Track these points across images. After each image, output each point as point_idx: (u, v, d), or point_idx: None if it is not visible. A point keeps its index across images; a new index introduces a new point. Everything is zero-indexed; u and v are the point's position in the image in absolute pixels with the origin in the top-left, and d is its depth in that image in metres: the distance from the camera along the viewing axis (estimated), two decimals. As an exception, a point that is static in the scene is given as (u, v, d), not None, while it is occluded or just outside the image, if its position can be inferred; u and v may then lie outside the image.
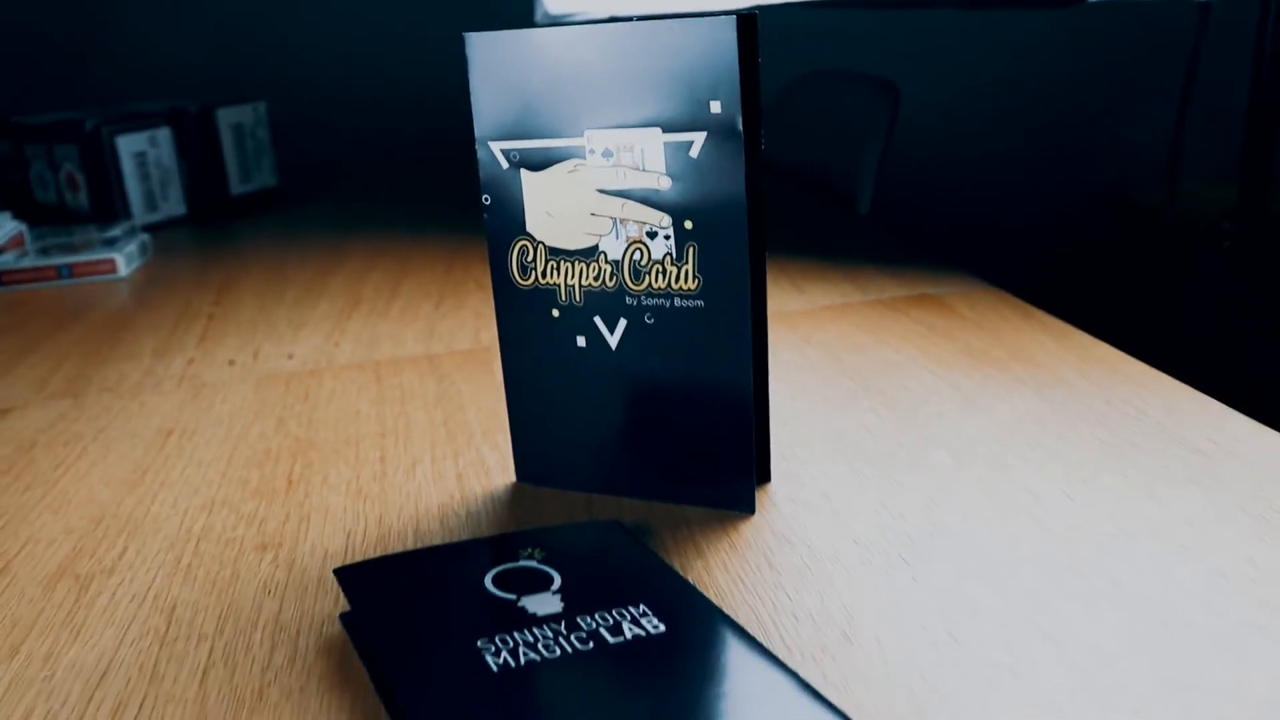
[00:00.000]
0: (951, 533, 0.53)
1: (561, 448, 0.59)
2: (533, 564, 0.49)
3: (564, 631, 0.44)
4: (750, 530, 0.54)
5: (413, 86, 2.19)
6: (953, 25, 2.35)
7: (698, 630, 0.44)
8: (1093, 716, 0.39)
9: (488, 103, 0.55)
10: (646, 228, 0.53)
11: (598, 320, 0.56)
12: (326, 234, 1.35)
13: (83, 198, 1.45)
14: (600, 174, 0.54)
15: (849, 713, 0.41)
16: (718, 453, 0.55)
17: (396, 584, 0.48)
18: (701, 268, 0.53)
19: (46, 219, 1.51)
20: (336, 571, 0.49)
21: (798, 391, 0.72)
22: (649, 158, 0.53)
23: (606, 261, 0.55)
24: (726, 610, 0.48)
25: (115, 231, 1.28)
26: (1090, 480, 0.57)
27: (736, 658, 0.42)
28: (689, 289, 0.53)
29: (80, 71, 2.08)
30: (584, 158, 0.54)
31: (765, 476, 0.59)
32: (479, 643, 0.43)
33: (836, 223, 1.21)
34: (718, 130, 0.51)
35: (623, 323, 0.55)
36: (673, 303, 0.54)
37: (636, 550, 0.50)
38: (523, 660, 0.42)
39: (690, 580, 0.50)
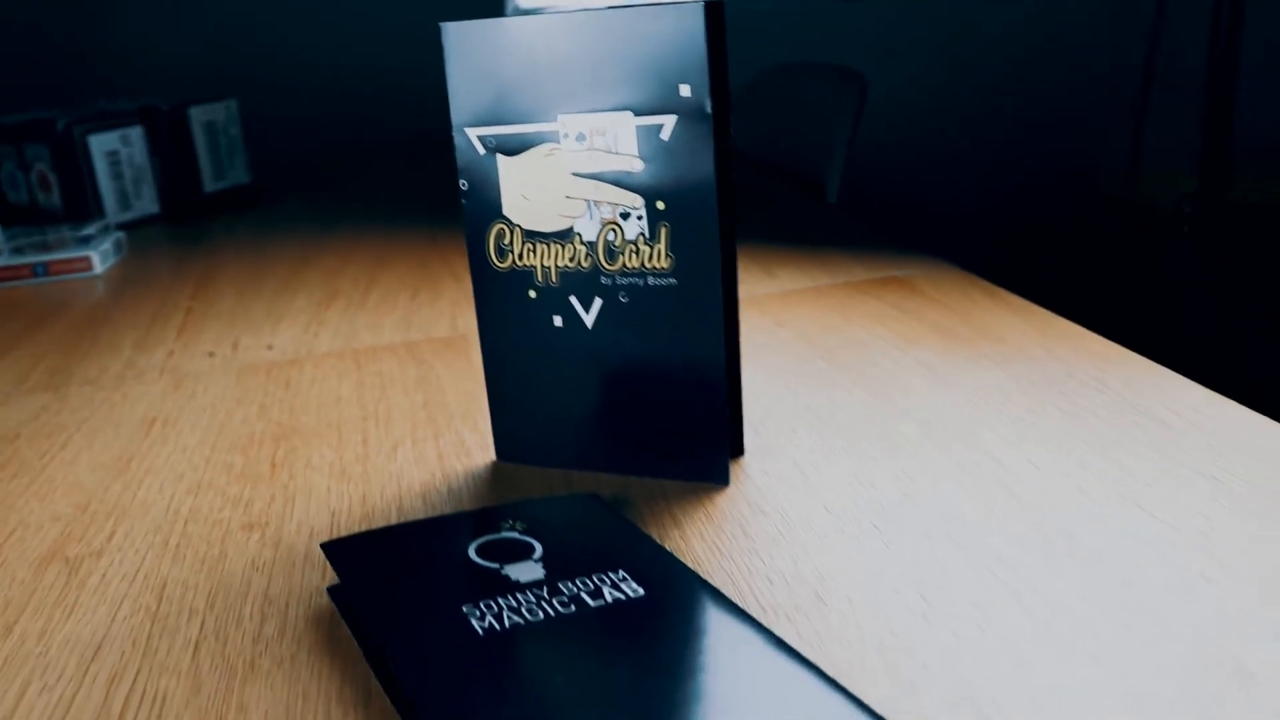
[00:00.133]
0: (921, 499, 0.55)
1: (540, 426, 0.60)
2: (514, 535, 0.50)
3: (546, 596, 0.45)
4: (725, 501, 0.56)
5: (384, 84, 2.19)
6: (918, 14, 2.37)
7: (675, 593, 0.45)
8: (1054, 662, 0.41)
9: (464, 91, 0.57)
10: (620, 209, 0.55)
11: (574, 300, 0.57)
12: (301, 230, 1.36)
13: (55, 197, 1.45)
14: (574, 158, 0.55)
15: (822, 666, 0.43)
16: (692, 426, 0.57)
17: (382, 556, 0.49)
18: (674, 247, 0.54)
19: (19, 219, 1.51)
20: (323, 546, 0.50)
21: (769, 371, 0.73)
22: (621, 141, 0.54)
23: (581, 243, 0.56)
24: (703, 575, 0.49)
25: (89, 230, 1.28)
26: (1053, 448, 0.59)
27: (713, 617, 0.44)
28: (662, 268, 0.55)
29: (50, 71, 2.08)
30: (558, 142, 0.55)
31: (739, 450, 0.61)
32: (464, 608, 0.44)
33: (806, 210, 1.23)
34: (687, 113, 0.53)
35: (598, 302, 0.57)
36: (646, 281, 0.55)
37: (615, 520, 0.52)
38: (507, 623, 0.43)
39: (667, 548, 0.51)
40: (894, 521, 0.53)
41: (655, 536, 0.53)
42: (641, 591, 0.46)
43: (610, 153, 0.54)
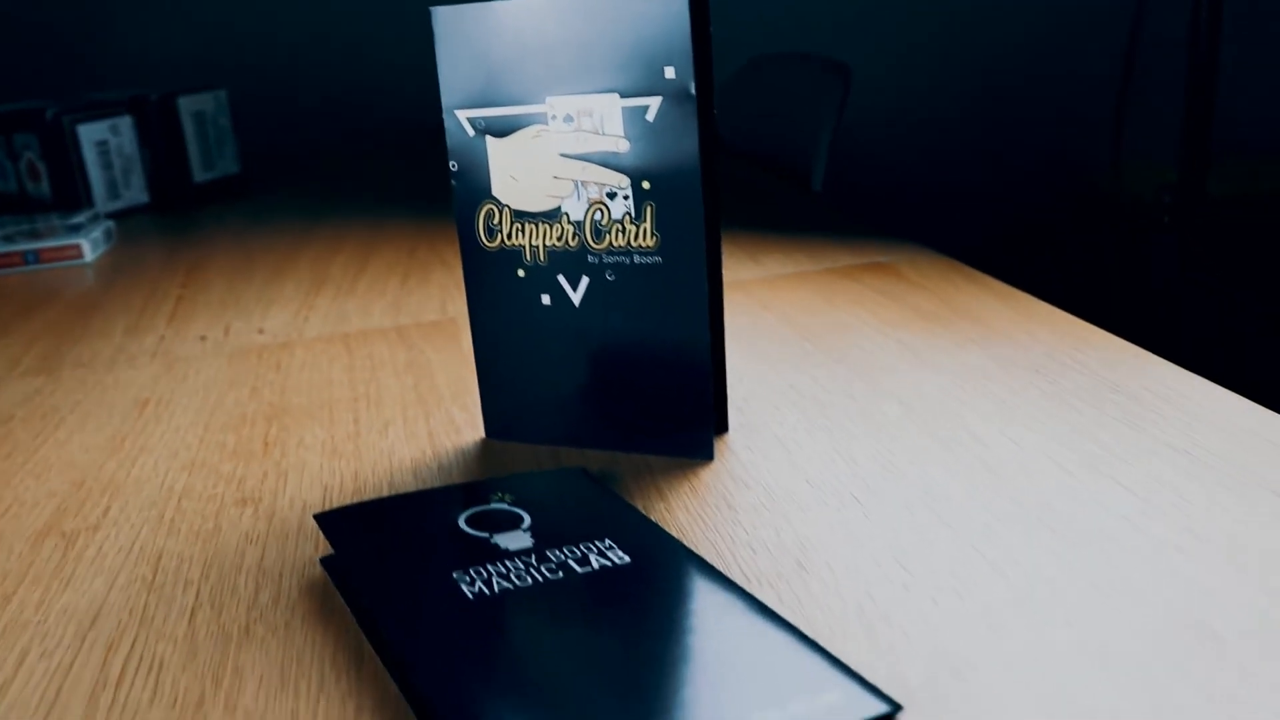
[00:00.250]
0: (901, 473, 0.56)
1: (528, 403, 0.62)
2: (503, 506, 0.52)
3: (534, 563, 0.46)
4: (710, 475, 0.57)
5: (373, 75, 2.20)
6: (902, 8, 2.39)
7: (660, 560, 0.47)
8: (1029, 626, 0.43)
9: (454, 74, 0.58)
10: (606, 189, 0.56)
11: (561, 279, 0.58)
12: (291, 219, 1.37)
13: (44, 186, 1.46)
14: (562, 139, 0.56)
15: (803, 630, 0.44)
16: (677, 402, 0.58)
17: (374, 526, 0.50)
18: (659, 225, 0.55)
19: (8, 208, 1.51)
20: (316, 516, 0.51)
21: (754, 352, 0.75)
22: (608, 122, 0.55)
23: (569, 222, 0.57)
24: (688, 544, 0.51)
25: (79, 218, 1.29)
26: (1032, 425, 0.60)
27: (697, 583, 0.45)
28: (648, 246, 0.56)
29: (39, 61, 2.08)
30: (546, 124, 0.56)
31: (723, 427, 0.62)
32: (455, 574, 0.46)
33: (791, 199, 1.25)
34: (672, 95, 0.54)
35: (585, 280, 0.58)
36: (632, 260, 0.56)
37: (602, 493, 0.53)
38: (496, 589, 0.45)
39: (653, 519, 0.53)
40: (875, 494, 0.54)
41: (641, 509, 0.54)
42: (628, 559, 0.47)
43: (597, 134, 0.56)
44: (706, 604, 0.43)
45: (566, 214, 0.57)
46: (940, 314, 0.79)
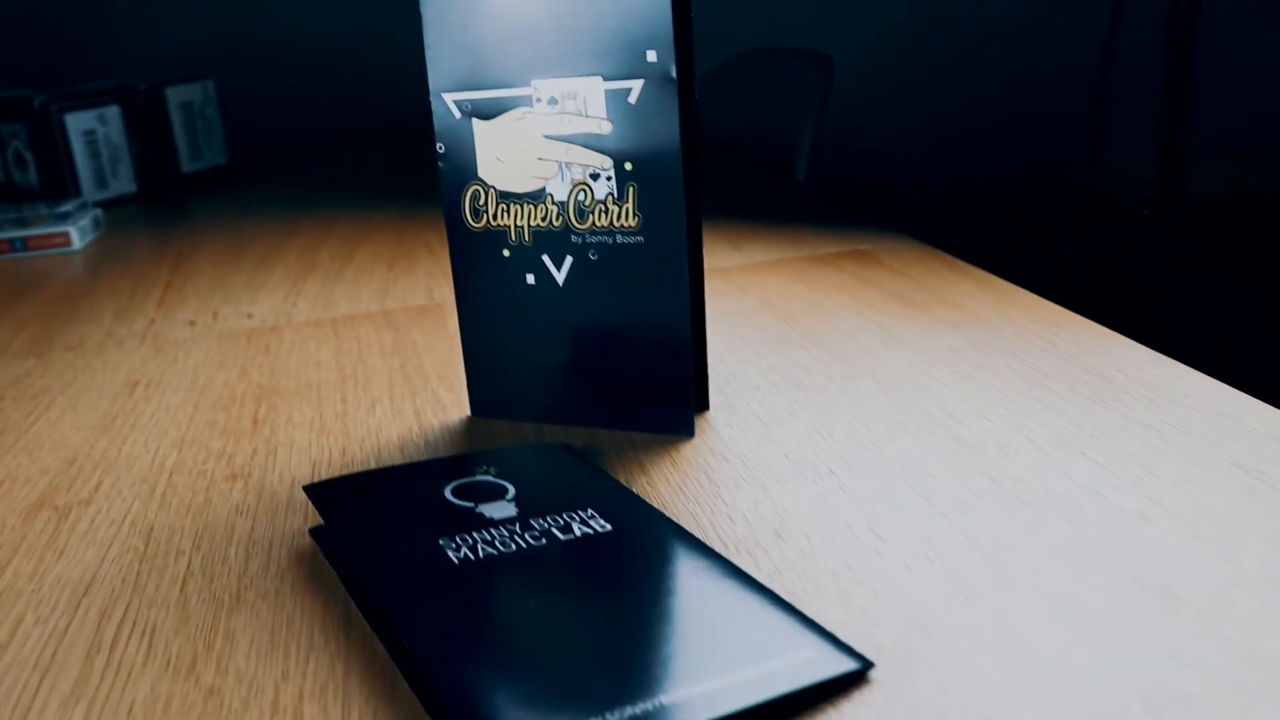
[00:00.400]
0: (877, 448, 0.57)
1: (513, 381, 0.63)
2: (488, 478, 0.53)
3: (519, 531, 0.48)
4: (690, 450, 0.59)
5: (360, 66, 2.21)
6: (888, 3, 2.40)
7: (641, 528, 0.48)
8: (998, 589, 0.44)
9: (441, 57, 0.59)
10: (590, 170, 0.57)
11: (546, 258, 0.60)
12: (278, 209, 1.38)
13: (31, 175, 1.46)
14: (546, 121, 0.58)
15: (779, 594, 0.45)
16: (659, 378, 0.59)
17: (362, 496, 0.51)
18: (641, 206, 0.57)
19: (-4, 198, 1.52)
20: (306, 488, 0.52)
21: (734, 335, 0.76)
22: (591, 105, 0.57)
23: (553, 203, 0.59)
24: (668, 514, 0.52)
25: (67, 207, 1.30)
26: (1004, 402, 0.62)
27: (676, 549, 0.46)
28: (630, 226, 0.57)
29: (26, 50, 2.08)
30: (531, 106, 0.58)
31: (704, 405, 0.64)
32: (441, 541, 0.47)
33: (774, 189, 1.26)
34: (654, 78, 0.55)
35: (569, 260, 0.59)
36: (615, 239, 0.58)
37: (584, 466, 0.54)
38: (481, 554, 0.46)
39: (635, 491, 0.54)
40: (850, 467, 0.55)
41: (623, 482, 0.55)
42: (609, 527, 0.48)
43: (581, 116, 0.57)
44: (685, 569, 0.45)
45: (551, 195, 0.58)
46: (919, 299, 0.81)
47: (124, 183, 1.51)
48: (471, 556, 0.46)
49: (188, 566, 0.51)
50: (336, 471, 0.60)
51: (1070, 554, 0.46)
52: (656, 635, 0.40)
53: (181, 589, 0.49)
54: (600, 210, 0.58)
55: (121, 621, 0.47)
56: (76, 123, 1.45)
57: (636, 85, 0.55)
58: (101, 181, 1.48)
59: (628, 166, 0.56)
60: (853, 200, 2.50)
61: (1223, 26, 2.45)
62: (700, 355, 0.63)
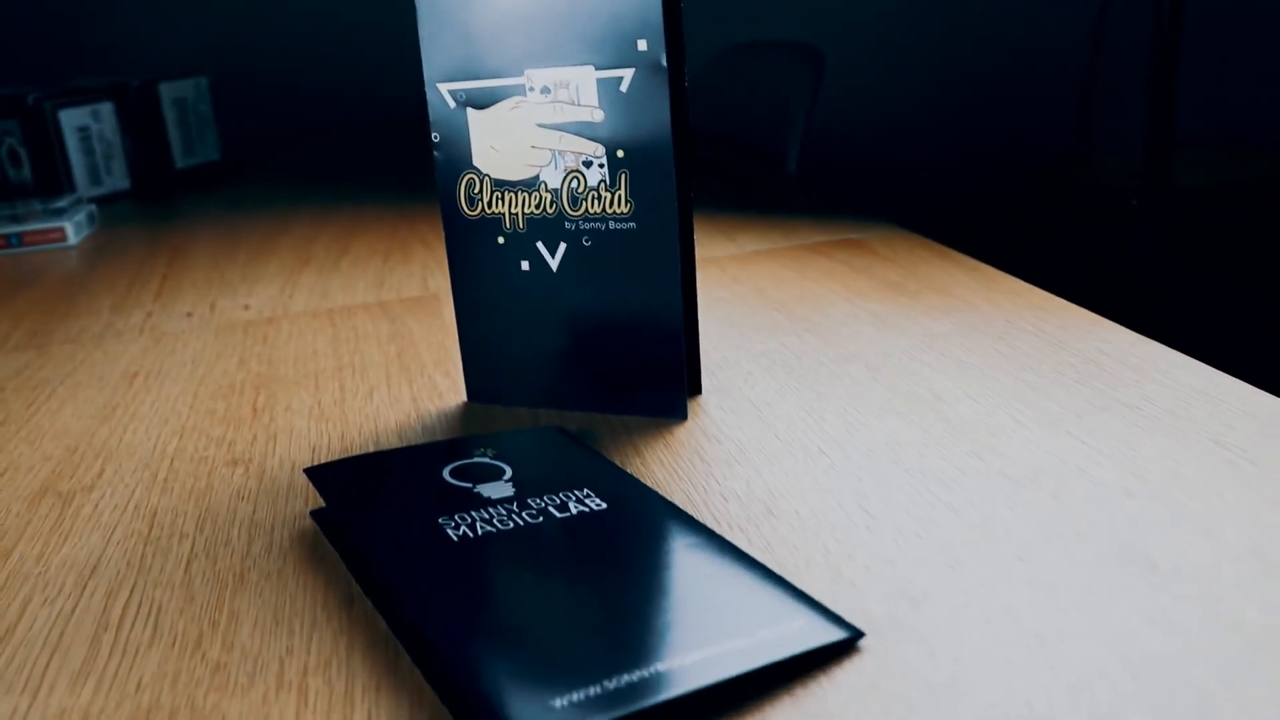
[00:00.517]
0: (866, 428, 0.58)
1: (508, 366, 0.64)
2: (486, 460, 0.54)
3: (516, 510, 0.49)
4: (683, 433, 0.60)
5: (352, 62, 2.21)
6: (878, -2, 2.42)
7: (636, 506, 0.49)
8: (983, 561, 0.45)
9: (435, 48, 0.60)
10: (582, 158, 0.58)
11: (540, 245, 0.61)
12: (272, 204, 1.39)
13: (26, 172, 1.47)
14: (540, 110, 0.59)
15: (771, 568, 0.46)
16: (652, 363, 0.60)
17: (362, 478, 0.52)
18: (633, 192, 0.58)
19: (-10, 194, 1.52)
20: (307, 470, 0.53)
21: (726, 322, 0.77)
22: (583, 93, 0.58)
23: (547, 190, 0.60)
24: (662, 494, 0.53)
25: (61, 203, 1.30)
26: (991, 384, 0.63)
27: (670, 526, 0.47)
28: (622, 212, 0.58)
29: (19, 47, 2.08)
30: (525, 95, 0.59)
31: (697, 389, 0.65)
32: (440, 520, 0.48)
33: (766, 181, 1.27)
34: (645, 66, 0.56)
35: (563, 246, 0.60)
36: (608, 226, 0.59)
37: (580, 448, 0.56)
38: (480, 531, 0.47)
39: (629, 472, 0.55)
40: (840, 447, 0.57)
41: (618, 463, 0.57)
42: (605, 506, 0.49)
43: (573, 104, 0.58)
44: (680, 545, 0.46)
45: (544, 182, 0.60)
46: (908, 286, 0.82)
47: (118, 179, 1.51)
48: (471, 534, 0.47)
49: (191, 548, 0.52)
50: (335, 455, 0.61)
51: (1054, 527, 0.47)
52: (652, 607, 0.41)
53: (186, 570, 0.50)
54: (593, 197, 0.59)
55: (127, 602, 0.48)
56: (70, 119, 1.45)
57: (628, 74, 0.56)
58: (95, 178, 1.48)
59: (620, 154, 0.57)
60: (842, 192, 2.51)
61: (1208, 20, 2.47)
62: (692, 339, 0.64)
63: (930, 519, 0.49)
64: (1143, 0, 2.37)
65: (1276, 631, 0.39)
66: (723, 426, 0.60)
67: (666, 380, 0.60)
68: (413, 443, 0.61)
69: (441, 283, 0.93)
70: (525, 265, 0.61)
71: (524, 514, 0.48)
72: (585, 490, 0.50)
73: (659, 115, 0.56)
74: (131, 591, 0.49)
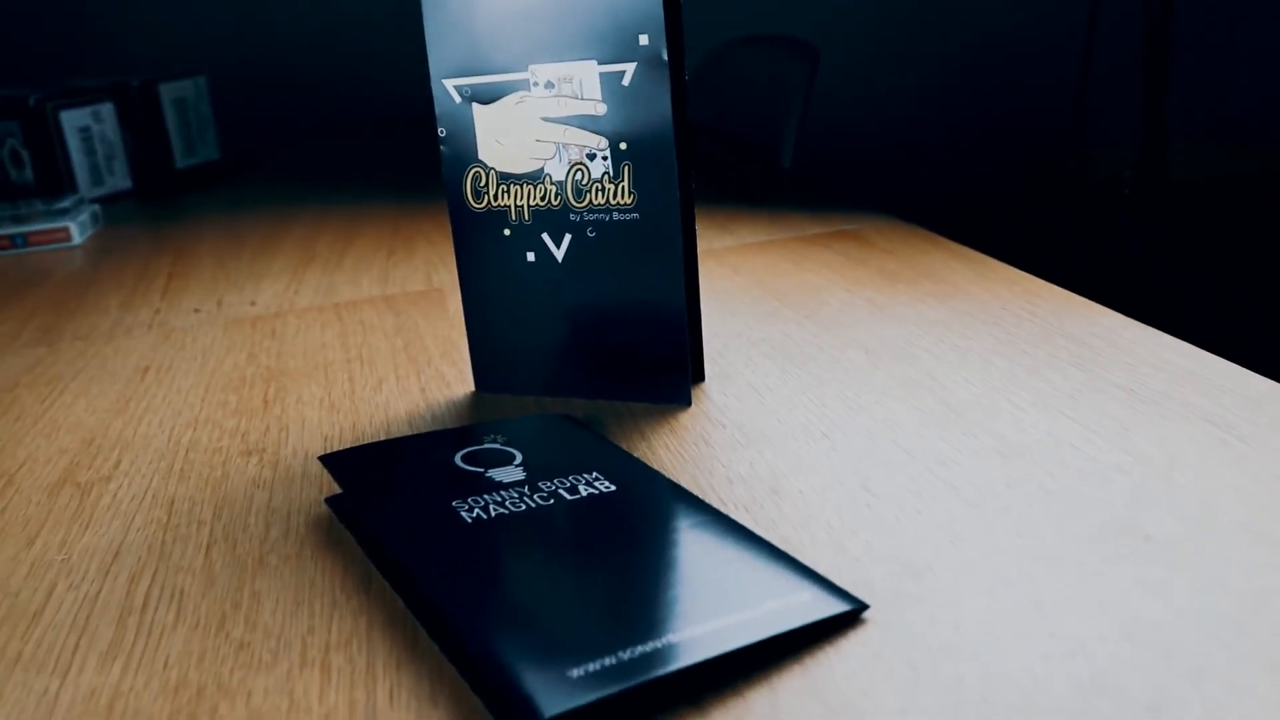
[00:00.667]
0: (865, 410, 0.60)
1: (515, 356, 0.65)
2: (496, 445, 0.55)
3: (527, 493, 0.50)
4: (688, 418, 0.61)
5: (352, 60, 2.22)
6: (871, -8, 2.43)
7: (644, 488, 0.50)
8: (982, 535, 0.47)
9: (441, 44, 0.61)
10: (586, 150, 0.60)
11: (545, 237, 0.62)
12: (274, 202, 1.40)
13: (28, 173, 1.48)
14: (544, 104, 0.60)
15: (777, 544, 0.48)
16: (656, 351, 0.62)
17: (376, 464, 0.54)
18: (636, 184, 0.59)
19: (-7, 196, 1.54)
20: (321, 458, 0.55)
21: (727, 311, 0.78)
22: (586, 87, 0.59)
23: (551, 183, 0.61)
24: (669, 476, 0.54)
25: (64, 203, 1.32)
26: (986, 367, 0.64)
27: (678, 506, 0.49)
28: (626, 203, 0.60)
29: (20, 48, 2.09)
30: (529, 90, 0.60)
31: (700, 376, 0.66)
32: (453, 503, 0.49)
33: (762, 175, 1.29)
34: (646, 60, 0.57)
35: (568, 238, 0.62)
36: (611, 216, 0.60)
37: (587, 434, 0.57)
38: (493, 514, 0.48)
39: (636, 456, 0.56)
40: (841, 429, 0.58)
41: (625, 448, 0.58)
42: (614, 488, 0.50)
43: (577, 98, 0.59)
44: (687, 524, 0.47)
45: (549, 175, 0.61)
46: (904, 274, 0.83)
47: (119, 179, 1.52)
48: (484, 516, 0.48)
49: (210, 535, 0.53)
50: (347, 444, 0.62)
51: (1050, 503, 0.49)
52: (663, 582, 0.43)
53: (206, 555, 0.51)
54: (597, 189, 0.60)
55: (150, 586, 0.49)
56: (71, 120, 1.46)
57: (630, 68, 0.58)
58: (97, 178, 1.50)
59: (623, 146, 0.59)
60: (837, 185, 2.53)
61: (1201, 13, 2.49)
62: (695, 327, 0.65)
63: (930, 496, 0.50)
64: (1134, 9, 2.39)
65: (1265, 598, 0.41)
66: (726, 411, 0.61)
67: (670, 367, 0.62)
68: (422, 430, 0.63)
69: (445, 277, 0.95)
70: (531, 256, 0.63)
71: (535, 497, 0.50)
72: (594, 473, 0.52)
73: (660, 108, 0.57)
74: (154, 576, 0.50)
